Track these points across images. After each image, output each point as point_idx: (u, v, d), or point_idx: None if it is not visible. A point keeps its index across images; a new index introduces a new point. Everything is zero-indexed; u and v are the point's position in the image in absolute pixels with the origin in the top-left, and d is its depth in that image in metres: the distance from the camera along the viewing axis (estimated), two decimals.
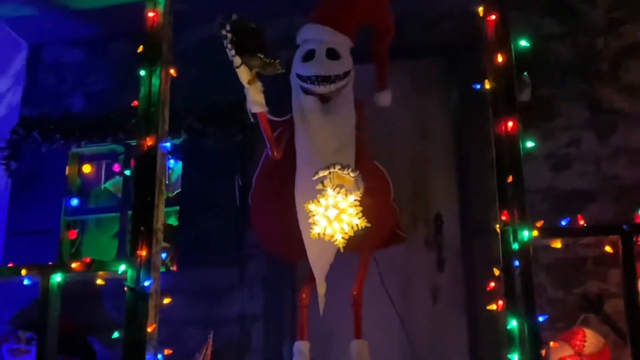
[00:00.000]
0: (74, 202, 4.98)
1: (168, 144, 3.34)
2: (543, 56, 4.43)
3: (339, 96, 3.70)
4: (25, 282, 3.29)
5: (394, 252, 4.08)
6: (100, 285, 4.57)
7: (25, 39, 5.33)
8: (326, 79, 3.63)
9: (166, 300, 3.20)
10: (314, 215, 3.20)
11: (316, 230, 3.20)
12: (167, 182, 4.98)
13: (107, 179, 5.15)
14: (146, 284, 3.09)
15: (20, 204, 4.98)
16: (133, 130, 4.78)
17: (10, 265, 3.34)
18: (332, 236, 3.18)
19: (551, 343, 3.68)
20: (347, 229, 3.17)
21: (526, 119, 4.30)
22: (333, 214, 3.16)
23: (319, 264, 3.52)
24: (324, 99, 3.67)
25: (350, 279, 3.75)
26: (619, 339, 3.75)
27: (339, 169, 3.21)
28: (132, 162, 4.94)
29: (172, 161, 5.03)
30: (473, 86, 3.19)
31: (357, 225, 3.16)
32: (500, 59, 3.03)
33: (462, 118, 4.56)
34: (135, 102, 3.39)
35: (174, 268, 4.75)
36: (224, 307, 4.51)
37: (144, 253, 3.13)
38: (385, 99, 3.96)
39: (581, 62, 4.48)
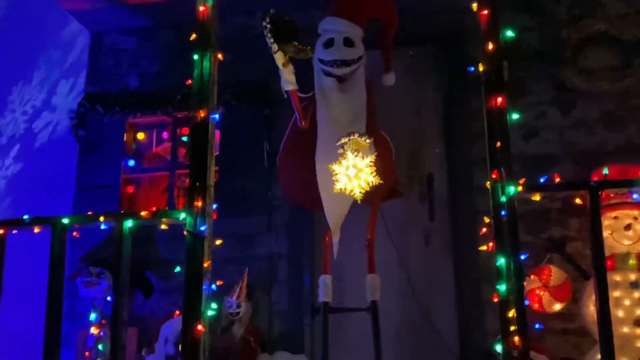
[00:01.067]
0: (131, 163, 4.98)
1: (217, 116, 3.33)
2: (516, 45, 4.38)
3: (353, 77, 3.72)
4: (102, 227, 3.33)
5: (395, 206, 4.11)
6: (154, 230, 4.67)
7: (88, 27, 5.28)
8: (344, 63, 3.64)
9: (218, 242, 3.22)
10: (336, 174, 3.24)
11: (339, 185, 3.23)
12: None
13: (157, 144, 5.13)
14: (202, 228, 3.13)
15: (86, 165, 4.98)
16: (180, 104, 4.85)
17: (89, 213, 3.36)
18: (352, 190, 3.21)
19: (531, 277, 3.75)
20: (364, 185, 3.20)
21: None
22: (353, 172, 3.19)
23: (335, 217, 3.55)
24: (340, 79, 3.69)
25: (359, 227, 3.77)
26: (578, 274, 3.82)
27: (358, 137, 3.24)
28: (185, 130, 4.98)
29: None
30: (468, 69, 3.19)
31: (371, 182, 3.20)
32: (490, 46, 3.02)
33: (451, 97, 4.56)
34: (189, 81, 3.36)
35: (213, 217, 4.77)
36: (255, 249, 4.54)
37: (199, 204, 3.16)
38: (389, 79, 3.97)
39: (548, 49, 4.47)
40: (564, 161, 4.28)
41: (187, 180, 4.98)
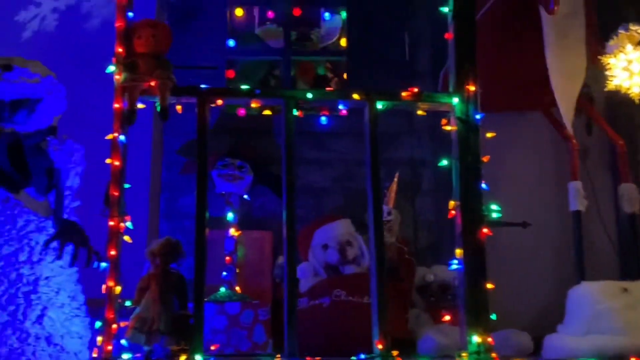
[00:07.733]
0: (231, 43, 4.39)
1: None
2: None
3: None
4: (341, 107, 2.90)
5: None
6: (271, 123, 4.19)
7: None
8: None
9: (489, 135, 2.90)
10: (612, 68, 3.03)
11: (615, 82, 3.04)
12: (321, 33, 4.54)
13: (260, 25, 4.55)
14: (477, 117, 2.82)
15: (176, 38, 4.30)
16: None
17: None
18: (629, 88, 3.03)
19: None
20: None
21: None
22: (636, 68, 3.00)
23: (571, 115, 3.38)
24: None
25: None
26: None
27: (631, 31, 3.04)
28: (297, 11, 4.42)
29: (327, 14, 4.53)
30: None
31: None
32: None
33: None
34: None
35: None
36: (396, 150, 4.22)
37: (472, 88, 2.83)
38: None
39: None
40: None
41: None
